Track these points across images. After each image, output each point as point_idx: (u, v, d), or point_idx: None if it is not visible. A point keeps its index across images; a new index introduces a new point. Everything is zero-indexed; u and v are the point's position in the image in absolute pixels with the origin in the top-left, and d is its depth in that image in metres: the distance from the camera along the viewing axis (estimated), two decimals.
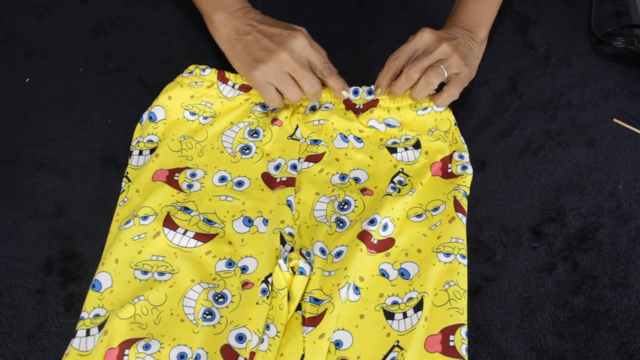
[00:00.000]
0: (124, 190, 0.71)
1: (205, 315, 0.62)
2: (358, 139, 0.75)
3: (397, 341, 0.61)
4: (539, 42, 0.85)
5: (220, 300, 0.64)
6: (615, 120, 0.78)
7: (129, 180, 0.72)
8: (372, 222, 0.67)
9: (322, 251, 0.66)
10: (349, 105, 0.77)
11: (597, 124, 0.78)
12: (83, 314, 0.63)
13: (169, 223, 0.68)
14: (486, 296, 0.66)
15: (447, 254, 0.65)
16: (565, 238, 0.70)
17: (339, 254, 0.66)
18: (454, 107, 0.77)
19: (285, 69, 0.72)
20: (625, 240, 0.69)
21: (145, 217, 0.67)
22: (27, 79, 0.83)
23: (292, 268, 0.63)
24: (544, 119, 0.78)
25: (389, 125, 0.76)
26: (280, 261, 0.63)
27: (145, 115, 0.76)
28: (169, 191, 0.70)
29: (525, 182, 0.74)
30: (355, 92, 0.77)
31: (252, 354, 0.59)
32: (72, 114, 0.80)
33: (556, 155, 0.76)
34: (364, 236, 0.66)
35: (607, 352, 0.63)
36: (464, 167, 0.72)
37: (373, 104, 0.76)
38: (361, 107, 0.77)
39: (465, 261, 0.65)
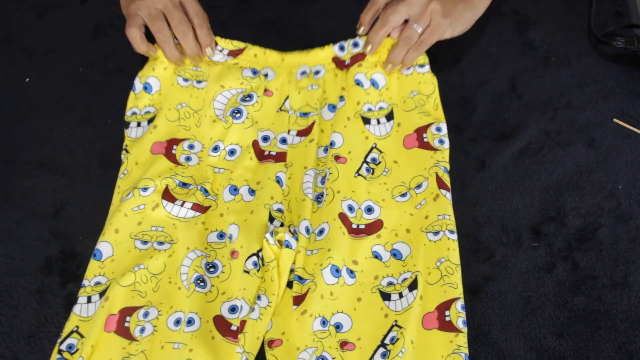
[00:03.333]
0: (123, 163, 0.72)
1: (198, 282, 0.64)
2: (342, 98, 0.75)
3: (396, 320, 0.62)
4: (538, 42, 0.85)
5: (212, 269, 0.65)
6: (615, 120, 0.78)
7: (128, 152, 0.73)
8: (351, 209, 0.68)
9: (307, 230, 0.67)
10: (339, 63, 0.77)
11: (597, 124, 0.78)
12: (84, 282, 0.64)
13: (168, 196, 0.69)
14: (486, 296, 0.66)
15: (436, 233, 0.66)
16: (565, 238, 0.70)
17: (321, 232, 0.67)
18: (453, 106, 0.78)
19: (158, 6, 0.72)
20: (625, 240, 0.69)
21: (145, 189, 0.68)
22: (27, 79, 0.83)
23: (279, 241, 0.65)
24: (544, 119, 0.78)
25: (373, 84, 0.76)
26: (267, 235, 0.64)
27: (137, 84, 0.76)
28: (167, 165, 0.71)
29: (525, 182, 0.74)
30: (341, 48, 0.77)
31: (243, 322, 0.61)
32: (72, 114, 0.80)
33: (556, 155, 0.75)
34: (344, 220, 0.67)
35: (607, 352, 0.63)
36: (441, 141, 0.72)
37: (361, 57, 0.77)
38: (349, 61, 0.77)
39: (454, 236, 0.66)
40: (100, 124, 0.79)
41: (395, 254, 0.67)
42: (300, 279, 0.64)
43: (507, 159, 0.75)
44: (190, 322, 0.62)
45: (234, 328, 0.62)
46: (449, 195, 0.69)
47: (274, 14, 0.88)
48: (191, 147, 0.73)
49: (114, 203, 0.70)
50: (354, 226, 0.68)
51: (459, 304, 0.62)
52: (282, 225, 0.68)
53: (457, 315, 0.61)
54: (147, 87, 0.76)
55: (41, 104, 0.81)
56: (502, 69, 0.83)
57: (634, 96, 0.80)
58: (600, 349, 0.63)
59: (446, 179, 0.70)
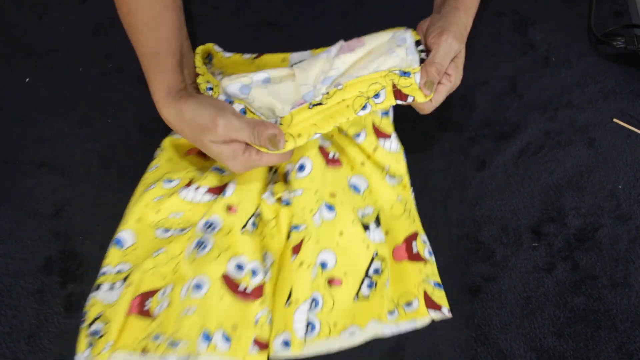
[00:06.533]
0: (155, 158, 0.73)
1: (199, 248, 0.64)
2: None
3: (376, 251, 0.64)
4: (539, 42, 0.85)
5: (210, 227, 0.66)
6: (615, 120, 0.78)
7: (162, 150, 0.73)
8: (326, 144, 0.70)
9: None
10: None
11: (597, 124, 0.78)
12: (106, 269, 0.65)
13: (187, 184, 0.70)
14: (486, 296, 0.66)
15: (392, 177, 0.68)
16: (565, 238, 0.70)
17: (301, 167, 0.66)
18: (453, 106, 0.77)
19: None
20: (625, 240, 0.69)
21: (169, 181, 0.69)
22: (27, 79, 0.83)
23: (279, 199, 0.66)
24: (544, 119, 0.78)
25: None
26: (266, 195, 0.65)
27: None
28: (198, 162, 0.72)
29: (525, 182, 0.74)
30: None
31: (261, 287, 0.62)
32: (72, 114, 0.80)
33: (556, 155, 0.75)
34: (322, 152, 0.68)
35: (607, 352, 0.63)
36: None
37: None
38: None
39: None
40: (100, 124, 0.79)
41: (355, 187, 0.68)
42: (295, 227, 0.64)
43: (507, 159, 0.75)
44: (198, 286, 0.62)
45: (242, 286, 0.62)
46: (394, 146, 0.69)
47: (274, 14, 0.88)
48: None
49: (137, 192, 0.70)
50: (330, 156, 0.68)
51: (422, 237, 0.65)
52: (275, 172, 0.68)
53: (423, 246, 0.64)
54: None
55: (41, 104, 0.81)
56: (502, 69, 0.83)
57: (634, 96, 0.80)
58: (600, 349, 0.63)
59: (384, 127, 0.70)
